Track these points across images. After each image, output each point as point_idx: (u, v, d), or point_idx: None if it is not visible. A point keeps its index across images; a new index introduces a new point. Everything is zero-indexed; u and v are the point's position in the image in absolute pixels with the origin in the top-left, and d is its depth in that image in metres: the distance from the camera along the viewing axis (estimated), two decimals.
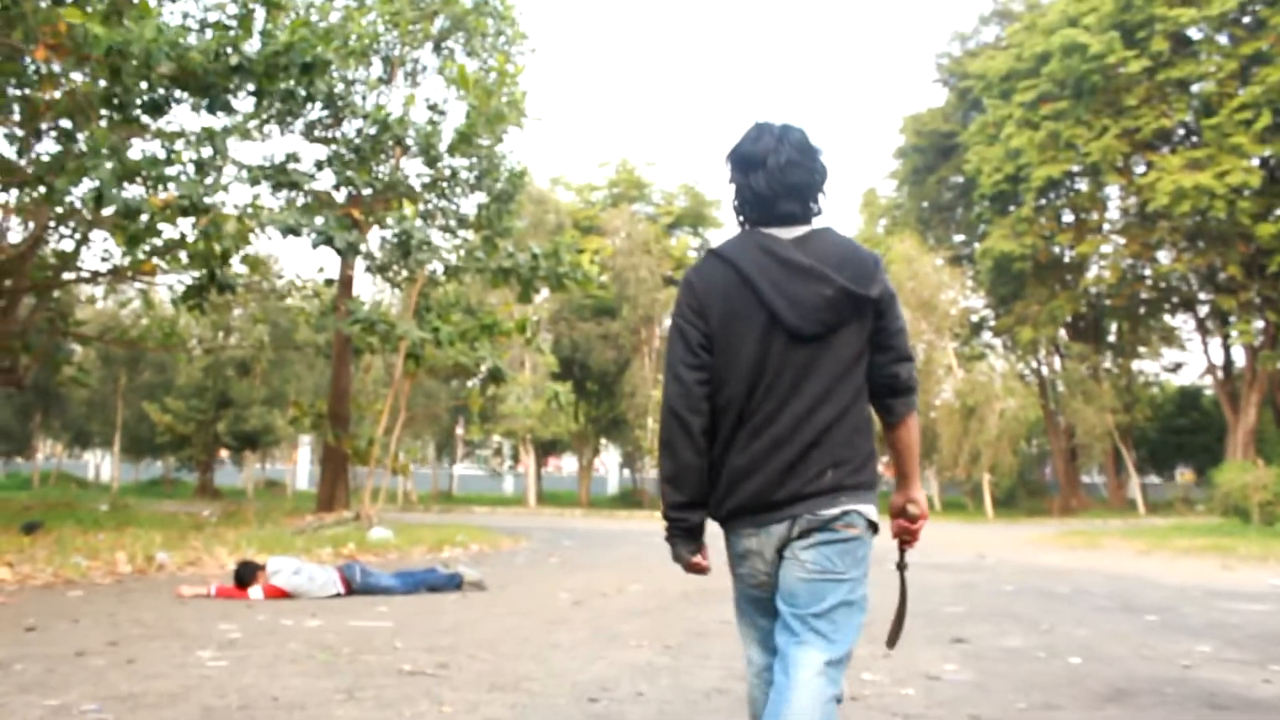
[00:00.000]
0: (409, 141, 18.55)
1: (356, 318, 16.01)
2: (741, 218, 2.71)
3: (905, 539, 2.76)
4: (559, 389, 17.88)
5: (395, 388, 17.43)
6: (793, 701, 2.44)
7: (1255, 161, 28.30)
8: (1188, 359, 47.36)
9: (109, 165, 12.22)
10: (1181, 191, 27.88)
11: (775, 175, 2.59)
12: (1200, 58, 30.39)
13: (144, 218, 13.14)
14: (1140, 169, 33.15)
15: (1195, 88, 31.41)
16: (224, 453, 47.28)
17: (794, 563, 2.54)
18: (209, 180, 15.00)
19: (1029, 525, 28.94)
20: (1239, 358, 35.93)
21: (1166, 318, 41.47)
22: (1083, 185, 35.54)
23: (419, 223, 17.55)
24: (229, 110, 17.77)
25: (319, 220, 16.35)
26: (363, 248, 19.02)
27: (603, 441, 48.98)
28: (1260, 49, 28.44)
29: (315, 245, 16.42)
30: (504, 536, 17.62)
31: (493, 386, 17.66)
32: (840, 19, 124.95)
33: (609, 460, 56.51)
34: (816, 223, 2.68)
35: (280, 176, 19.01)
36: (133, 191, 13.39)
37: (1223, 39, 30.33)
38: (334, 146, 19.92)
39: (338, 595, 8.82)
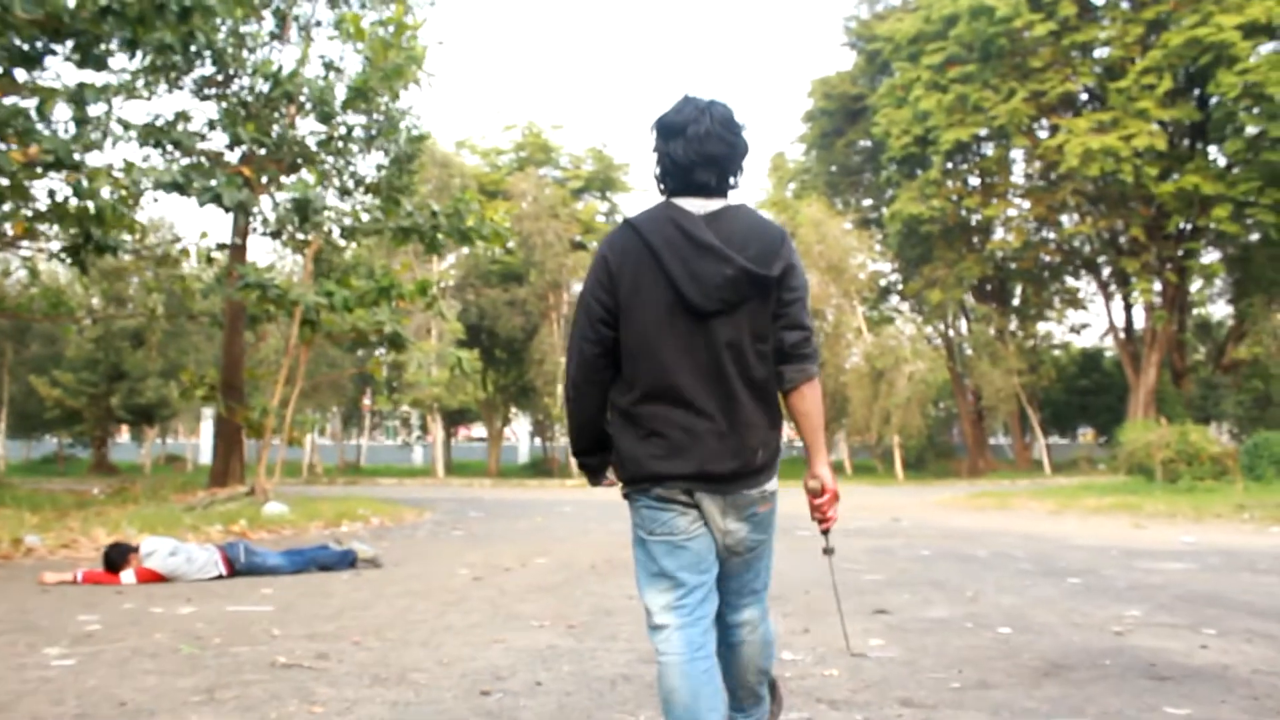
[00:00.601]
0: (302, 98, 17.62)
1: (246, 282, 15.15)
2: (662, 186, 2.78)
3: (820, 519, 2.88)
4: (462, 355, 17.16)
5: (289, 355, 16.59)
6: (744, 656, 2.90)
7: (1158, 125, 28.58)
8: (1090, 320, 48.16)
9: None
10: (1090, 154, 28.08)
11: (694, 144, 2.66)
12: (1104, 23, 30.61)
13: (4, 174, 12.13)
14: (1044, 134, 33.38)
15: (1099, 52, 31.67)
16: (123, 428, 45.62)
17: (726, 536, 2.73)
18: (83, 137, 14.04)
19: (939, 487, 29.14)
20: (1139, 320, 36.65)
21: (1069, 280, 42.16)
22: (989, 149, 35.74)
23: (318, 188, 16.72)
24: (103, 64, 16.73)
25: (206, 179, 15.43)
26: (255, 209, 18.13)
27: (513, 411, 48.32)
28: (1161, 13, 28.70)
29: (202, 203, 15.45)
30: (408, 509, 16.97)
31: (393, 353, 16.87)
32: None
33: (520, 429, 55.87)
34: (733, 198, 2.77)
35: (167, 135, 17.98)
36: None
37: (1125, 4, 30.57)
38: (224, 104, 18.92)
39: (219, 577, 8.18)
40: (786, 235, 2.75)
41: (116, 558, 7.96)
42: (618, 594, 7.24)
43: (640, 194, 66.51)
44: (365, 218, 18.09)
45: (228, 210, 15.59)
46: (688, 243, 2.62)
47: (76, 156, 12.78)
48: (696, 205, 2.69)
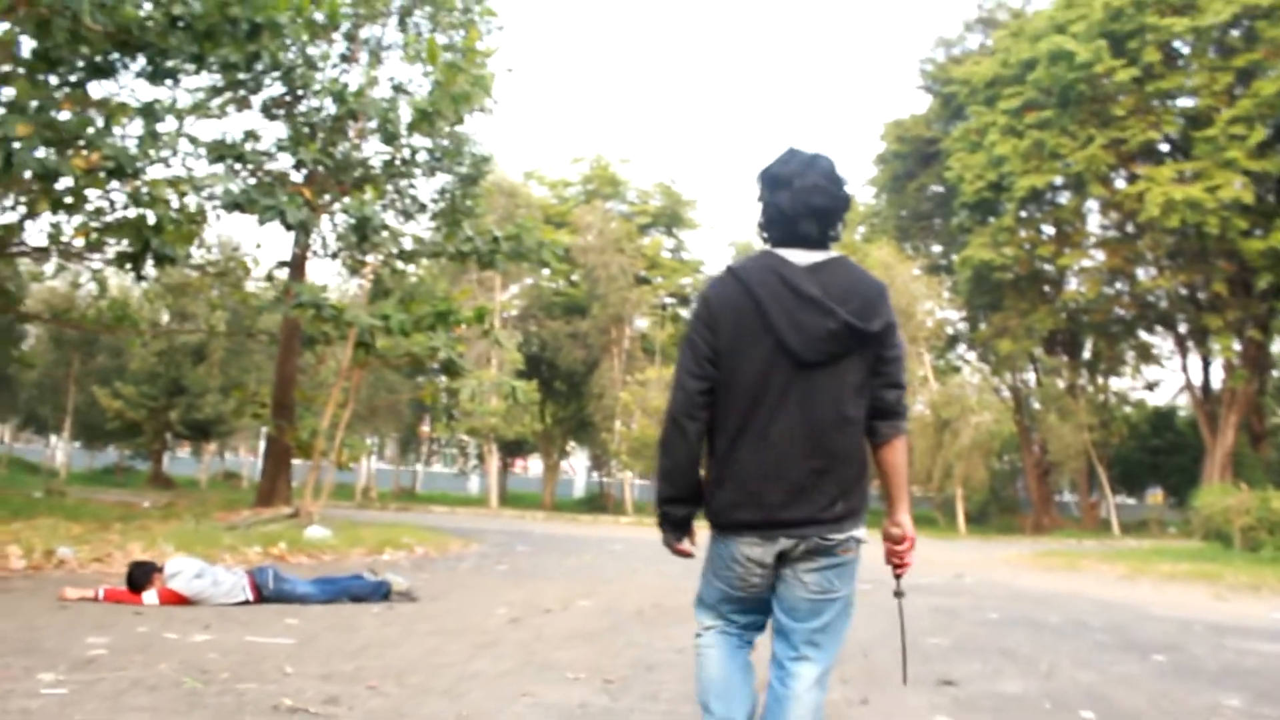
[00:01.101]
0: (367, 119, 17.49)
1: (301, 300, 14.93)
2: (765, 234, 2.85)
3: (896, 564, 2.93)
4: (517, 384, 16.79)
5: (341, 377, 16.33)
6: (792, 712, 2.77)
7: (1248, 176, 27.52)
8: (1163, 377, 46.70)
9: (23, 122, 11.11)
10: (1172, 204, 27.15)
11: (800, 195, 2.76)
12: (1190, 69, 29.72)
13: (66, 181, 12.03)
14: (1120, 184, 32.41)
15: (1182, 101, 30.76)
16: (185, 443, 45.99)
17: (796, 582, 2.76)
18: (146, 145, 13.96)
19: (1003, 543, 28.17)
20: (1216, 378, 35.36)
21: (1143, 335, 40.95)
22: (1065, 197, 34.84)
23: (378, 206, 16.53)
24: (173, 78, 16.73)
25: (269, 197, 15.30)
26: (316, 229, 18.02)
27: (571, 444, 47.97)
28: (1251, 61, 27.80)
29: (263, 221, 15.34)
30: (454, 539, 16.58)
31: (447, 379, 16.57)
32: (824, 23, 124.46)
33: (577, 463, 55.48)
34: (834, 249, 2.84)
35: (234, 152, 17.98)
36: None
37: (1213, 51, 29.64)
38: (291, 124, 18.91)
39: (245, 603, 7.81)
40: (886, 291, 2.82)
41: (140, 577, 7.62)
42: (663, 645, 6.73)
43: (707, 230, 66.33)
44: (425, 239, 17.85)
45: (289, 228, 15.42)
46: (791, 294, 2.69)
47: (138, 164, 12.64)
48: (800, 256, 2.76)
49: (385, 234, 16.20)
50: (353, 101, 16.98)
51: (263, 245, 23.53)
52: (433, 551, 14.38)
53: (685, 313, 44.23)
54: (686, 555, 2.92)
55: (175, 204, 14.48)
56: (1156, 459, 43.40)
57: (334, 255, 19.35)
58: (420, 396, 20.87)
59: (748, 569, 2.75)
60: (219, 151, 17.99)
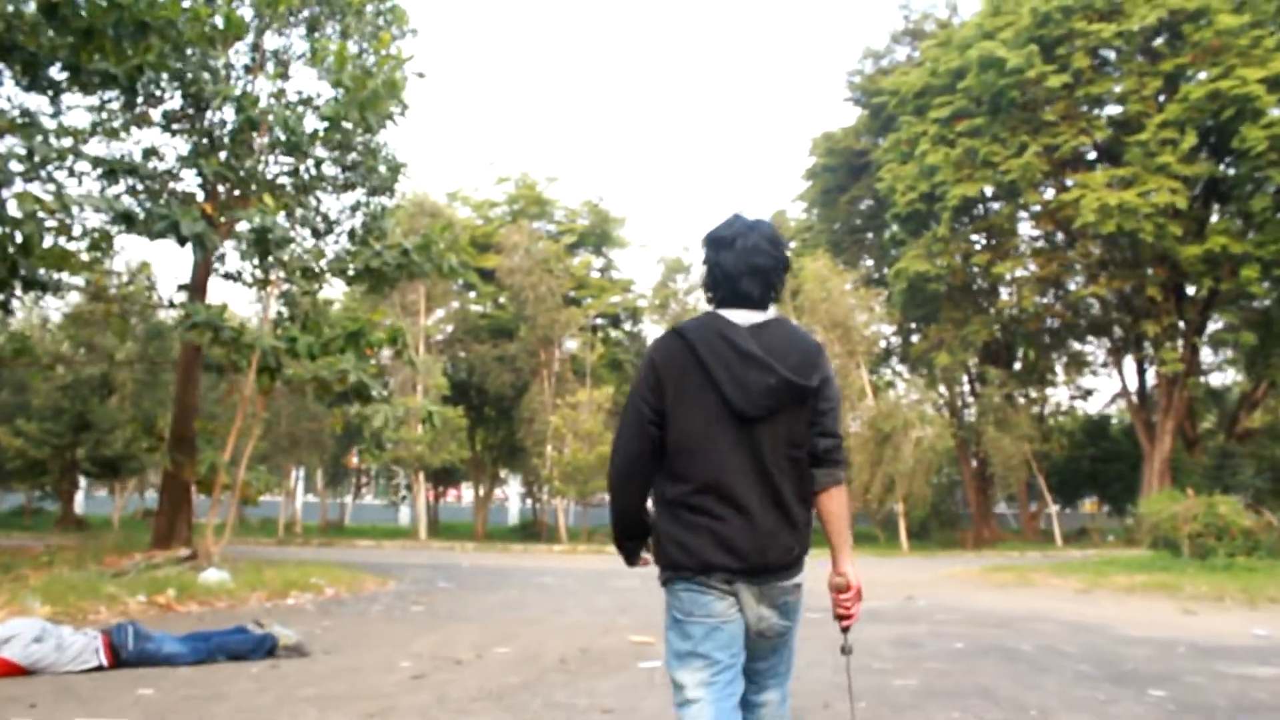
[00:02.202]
0: (272, 128, 16.30)
1: (196, 321, 13.69)
2: (710, 295, 3.00)
3: (843, 615, 2.95)
4: (434, 409, 15.62)
5: (244, 405, 15.04)
6: None
7: (1180, 182, 27.22)
8: (1096, 385, 46.75)
9: None
10: (1106, 209, 26.74)
11: (742, 255, 2.92)
12: (1118, 75, 29.45)
13: None
14: (1049, 194, 32.04)
15: (1112, 108, 30.53)
16: (100, 482, 43.88)
17: (760, 623, 2.85)
18: (12, 165, 12.73)
19: (947, 559, 27.50)
20: (1152, 384, 35.16)
21: (1075, 344, 40.79)
22: (997, 206, 34.47)
23: (280, 218, 15.32)
24: (54, 89, 15.46)
25: (161, 211, 14.05)
26: (218, 248, 16.79)
27: (504, 471, 46.58)
28: (1179, 65, 27.62)
29: (153, 236, 14.15)
30: (371, 577, 15.35)
31: (358, 405, 15.34)
32: (751, 38, 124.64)
33: (511, 490, 54.01)
34: (773, 310, 2.99)
35: (123, 167, 16.74)
36: None
37: (1140, 56, 29.44)
38: (193, 137, 17.69)
39: (99, 668, 6.64)
40: (823, 348, 2.94)
41: None
42: (587, 704, 5.71)
43: (637, 249, 65.28)
44: (330, 256, 16.70)
45: (183, 242, 14.15)
46: (734, 353, 2.80)
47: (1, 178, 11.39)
48: (741, 317, 2.88)
49: (292, 249, 15.01)
50: (254, 112, 15.80)
51: (149, 264, 21.86)
52: (344, 592, 13.17)
53: (616, 334, 43.33)
54: (646, 565, 3.05)
55: (51, 224, 13.24)
56: (1095, 467, 43.22)
57: (237, 276, 18.07)
58: (332, 424, 19.29)
59: (726, 604, 2.80)
60: (111, 167, 16.75)
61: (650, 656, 7.53)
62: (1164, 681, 6.75)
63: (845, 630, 2.96)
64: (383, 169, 18.66)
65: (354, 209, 19.20)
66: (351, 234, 18.99)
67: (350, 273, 16.93)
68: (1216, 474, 33.22)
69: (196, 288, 17.32)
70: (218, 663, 7.08)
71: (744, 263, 2.87)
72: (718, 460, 2.76)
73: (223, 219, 16.73)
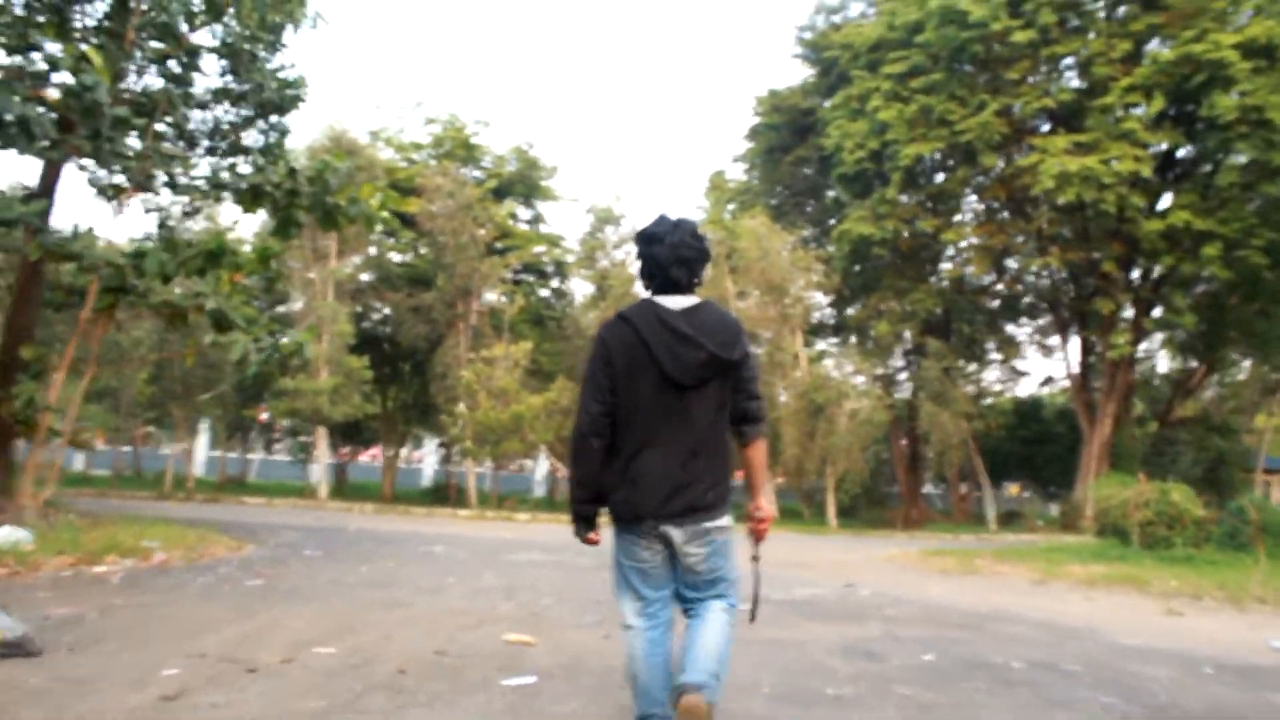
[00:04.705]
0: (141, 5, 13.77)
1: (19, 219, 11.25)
2: (646, 283, 3.68)
3: (756, 535, 3.78)
4: (303, 339, 13.32)
5: (79, 331, 12.66)
6: (708, 627, 3.54)
7: (1144, 149, 25.66)
8: (1030, 369, 45.61)
9: None
10: (1066, 176, 25.09)
11: (671, 249, 3.60)
12: (1089, 36, 27.75)
13: None
14: (1000, 163, 30.42)
15: (1074, 77, 28.92)
16: None
17: (687, 558, 3.55)
18: None
19: (878, 539, 25.89)
20: (1095, 366, 33.90)
21: (1012, 327, 39.56)
22: (945, 175, 32.78)
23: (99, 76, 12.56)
24: None
25: None
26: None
27: (419, 430, 44.16)
28: (1152, 25, 26.03)
29: None
30: (227, 540, 13.10)
31: (216, 334, 12.96)
32: None
33: (428, 451, 51.47)
34: (700, 293, 3.82)
35: None
36: None
37: (1107, 14, 27.83)
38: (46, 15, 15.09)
39: None
40: (743, 327, 3.66)
41: None
42: None
43: (568, 203, 62.76)
44: (203, 170, 14.32)
45: (4, 126, 11.69)
46: (669, 333, 3.51)
47: None
48: (674, 302, 3.61)
49: (136, 145, 12.61)
50: None
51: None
52: (178, 558, 10.91)
53: (543, 290, 41.07)
54: (594, 544, 3.69)
55: None
56: (1028, 449, 42.06)
57: (96, 185, 15.54)
58: (184, 356, 16.70)
59: (652, 551, 3.56)
60: None
61: (523, 670, 5.52)
62: (1208, 714, 4.89)
63: (757, 543, 3.77)
64: (272, 84, 16.29)
65: (241, 125, 16.80)
66: (236, 149, 16.65)
67: (226, 190, 14.54)
68: (1156, 460, 32.16)
69: (43, 193, 14.76)
70: None
71: (673, 255, 3.59)
72: (656, 424, 3.48)
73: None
